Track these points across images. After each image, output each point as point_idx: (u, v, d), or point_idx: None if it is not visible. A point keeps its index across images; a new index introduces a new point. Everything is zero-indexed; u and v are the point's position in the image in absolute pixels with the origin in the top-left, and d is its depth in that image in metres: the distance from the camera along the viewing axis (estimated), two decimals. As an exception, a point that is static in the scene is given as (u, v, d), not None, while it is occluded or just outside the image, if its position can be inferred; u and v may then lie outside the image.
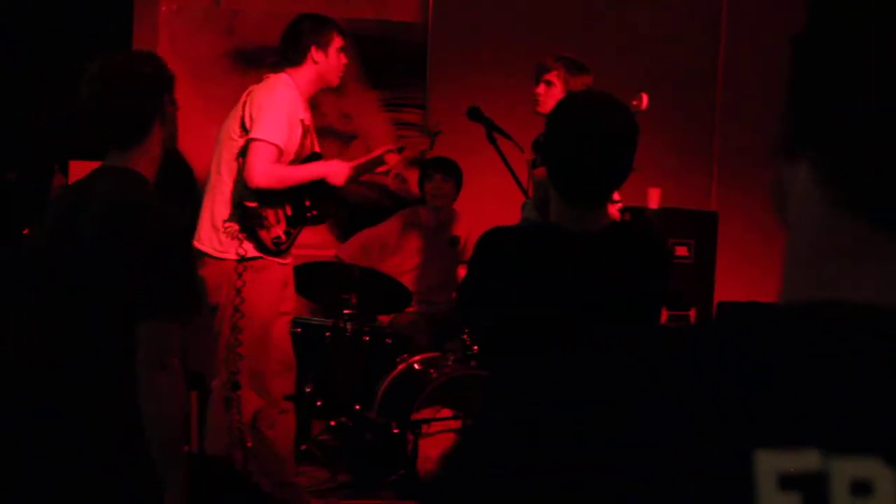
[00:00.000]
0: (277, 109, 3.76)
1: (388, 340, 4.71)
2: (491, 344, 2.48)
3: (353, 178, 4.11)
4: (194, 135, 4.55)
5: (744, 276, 5.47)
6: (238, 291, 3.70)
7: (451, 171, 5.17)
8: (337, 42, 3.93)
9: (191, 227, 3.52)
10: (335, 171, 3.92)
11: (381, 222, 5.34)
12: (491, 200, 4.85)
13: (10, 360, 2.41)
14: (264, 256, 3.79)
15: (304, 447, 4.56)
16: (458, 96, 5.10)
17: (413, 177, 5.45)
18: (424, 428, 4.22)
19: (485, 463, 0.57)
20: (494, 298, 2.30)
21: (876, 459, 0.51)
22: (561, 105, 2.34)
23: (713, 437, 0.53)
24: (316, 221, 3.96)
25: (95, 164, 2.49)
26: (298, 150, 3.87)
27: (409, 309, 4.96)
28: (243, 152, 3.75)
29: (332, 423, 4.62)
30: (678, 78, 5.88)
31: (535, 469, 0.55)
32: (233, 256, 3.73)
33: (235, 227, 3.74)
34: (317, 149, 3.99)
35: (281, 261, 3.86)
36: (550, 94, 3.98)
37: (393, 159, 4.18)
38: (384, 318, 5.06)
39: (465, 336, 4.39)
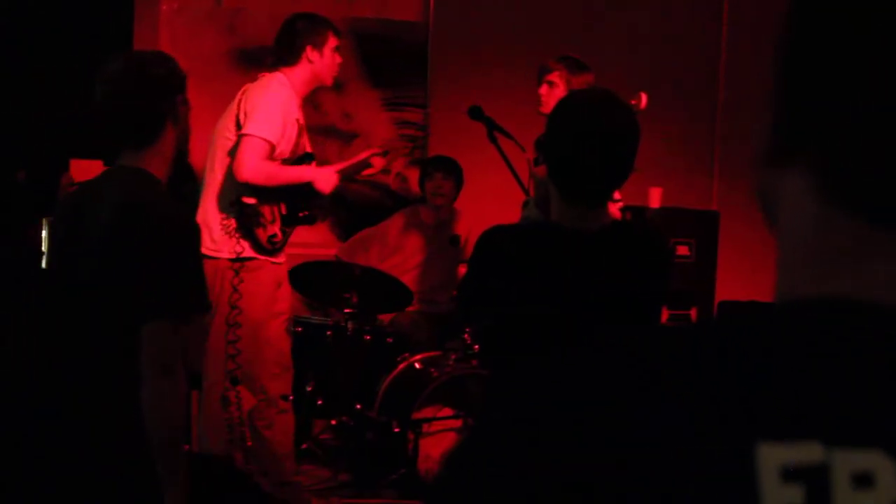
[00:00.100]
0: (272, 107, 3.76)
1: (389, 339, 4.72)
2: (491, 343, 2.48)
3: (338, 184, 4.12)
4: (195, 134, 4.54)
5: (745, 276, 5.46)
6: (235, 289, 3.70)
7: (451, 170, 5.17)
8: (332, 42, 3.93)
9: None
10: (324, 178, 3.92)
11: (382, 221, 5.35)
12: (492, 199, 4.85)
13: (10, 361, 2.41)
14: (258, 256, 3.79)
15: (304, 446, 4.57)
16: (459, 95, 5.11)
17: (413, 176, 5.46)
18: (425, 427, 4.23)
19: (486, 462, 0.58)
20: (494, 297, 2.30)
21: (877, 451, 0.52)
22: (562, 103, 2.34)
23: (713, 436, 0.53)
24: (308, 221, 3.96)
25: (96, 163, 2.49)
26: (293, 150, 3.88)
27: (410, 308, 4.96)
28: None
29: (333, 422, 4.62)
30: (679, 77, 5.88)
31: (535, 469, 0.55)
32: (226, 255, 3.72)
33: (232, 224, 3.74)
34: (308, 149, 3.99)
35: (274, 260, 3.86)
36: (553, 94, 3.99)
37: (378, 162, 4.21)
38: (385, 318, 5.07)
39: (465, 335, 4.39)
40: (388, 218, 5.35)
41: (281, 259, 3.90)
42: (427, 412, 4.24)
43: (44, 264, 2.65)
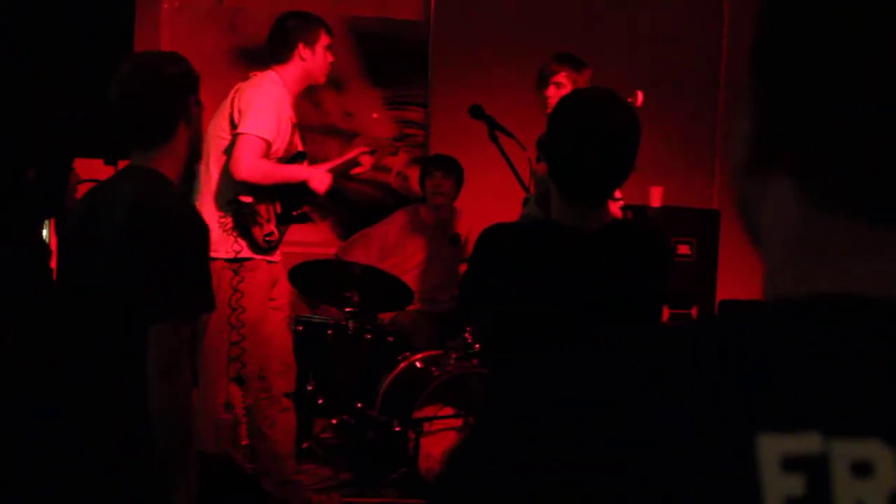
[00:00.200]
0: (267, 105, 3.76)
1: (390, 338, 4.72)
2: (492, 341, 2.48)
3: (332, 184, 4.12)
4: (196, 133, 4.54)
5: (746, 275, 5.43)
6: (235, 289, 3.70)
7: (451, 169, 5.17)
8: (324, 40, 3.92)
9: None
10: (319, 178, 3.92)
11: (382, 220, 5.35)
12: (492, 198, 4.85)
13: (12, 361, 2.42)
14: (255, 256, 3.79)
15: (305, 445, 4.57)
16: (459, 94, 5.11)
17: (414, 175, 5.45)
18: (426, 426, 4.23)
19: (487, 461, 0.58)
20: (495, 295, 2.30)
21: (875, 440, 0.52)
22: (563, 103, 2.34)
23: (713, 434, 0.53)
24: (302, 220, 3.97)
25: (98, 162, 2.50)
26: (287, 148, 3.88)
27: (411, 307, 4.96)
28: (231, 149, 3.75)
29: (334, 420, 4.62)
30: (680, 77, 5.89)
31: (536, 467, 0.55)
32: (223, 255, 3.72)
33: (230, 222, 3.74)
34: (300, 147, 3.99)
35: (270, 258, 3.86)
36: (560, 95, 3.98)
37: (368, 161, 4.22)
38: (386, 317, 5.07)
39: (466, 334, 4.40)
40: (389, 217, 5.35)
41: (276, 257, 3.90)
42: (428, 411, 4.25)
43: (52, 263, 2.64)
